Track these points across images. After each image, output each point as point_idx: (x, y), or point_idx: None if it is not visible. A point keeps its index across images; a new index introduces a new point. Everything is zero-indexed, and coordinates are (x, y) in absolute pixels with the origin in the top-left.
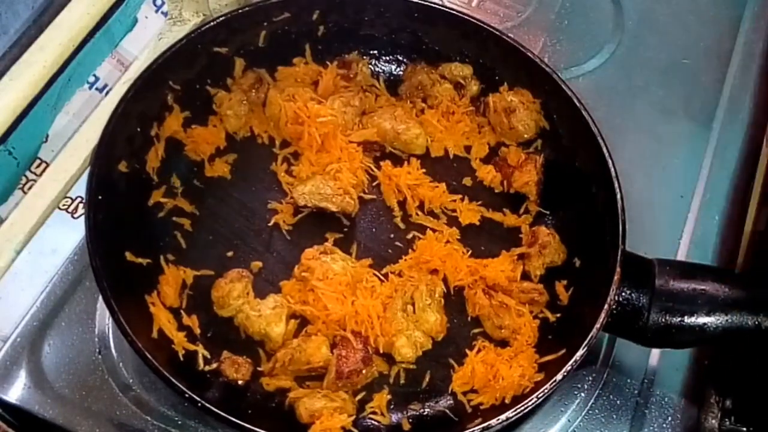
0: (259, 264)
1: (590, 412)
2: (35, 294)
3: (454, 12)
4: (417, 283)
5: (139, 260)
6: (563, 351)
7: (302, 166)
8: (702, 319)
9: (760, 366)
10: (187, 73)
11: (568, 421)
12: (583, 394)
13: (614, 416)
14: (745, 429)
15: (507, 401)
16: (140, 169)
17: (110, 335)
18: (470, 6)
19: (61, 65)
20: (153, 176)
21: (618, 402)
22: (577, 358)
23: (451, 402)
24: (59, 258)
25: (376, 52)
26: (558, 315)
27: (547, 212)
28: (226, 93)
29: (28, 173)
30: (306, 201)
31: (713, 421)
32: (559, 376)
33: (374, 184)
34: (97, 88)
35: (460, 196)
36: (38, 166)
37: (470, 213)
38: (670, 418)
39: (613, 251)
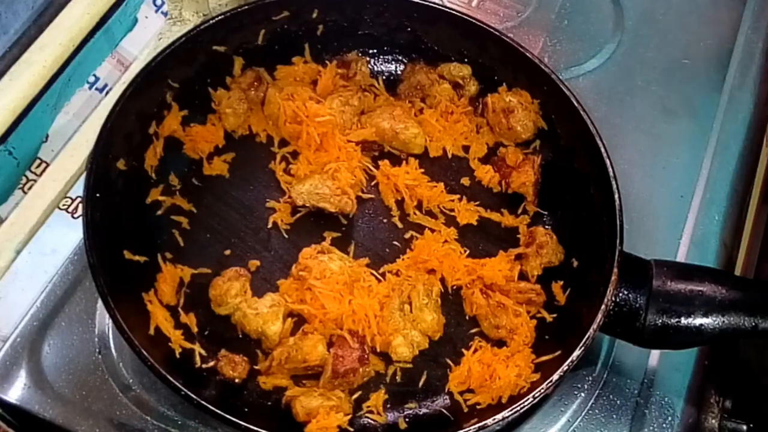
0: (257, 263)
1: (590, 412)
2: (35, 294)
3: (454, 12)
4: (414, 282)
5: (137, 258)
6: (560, 351)
7: (300, 165)
8: (699, 321)
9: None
10: (186, 72)
11: (568, 421)
12: (583, 394)
13: (614, 416)
14: (745, 427)
15: (503, 401)
16: (138, 167)
17: (110, 335)
18: (470, 6)
19: (61, 65)
20: (151, 174)
21: (618, 402)
22: (574, 359)
23: (448, 401)
24: (59, 258)
25: (375, 51)
26: (555, 315)
27: (545, 213)
28: (225, 91)
29: (28, 173)
30: (304, 200)
31: (713, 421)
32: (555, 377)
33: (372, 183)
34: (97, 88)
35: (458, 195)
36: (38, 166)
37: (468, 213)
38: (670, 418)
39: (610, 252)
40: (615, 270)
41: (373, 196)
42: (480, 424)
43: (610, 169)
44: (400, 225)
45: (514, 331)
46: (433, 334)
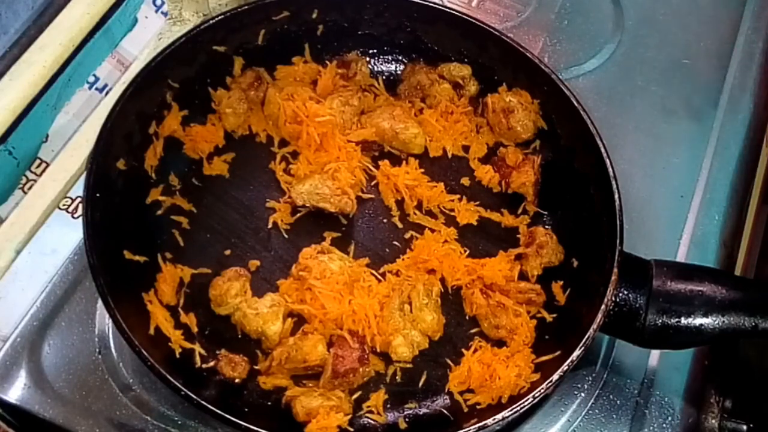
0: (257, 263)
1: (590, 412)
2: (35, 294)
3: (454, 12)
4: (414, 282)
5: (137, 258)
6: (560, 351)
7: (300, 165)
8: (699, 321)
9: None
10: (186, 72)
11: (568, 421)
12: (583, 394)
13: (614, 416)
14: (745, 427)
15: (503, 401)
16: (138, 167)
17: (110, 335)
18: (470, 6)
19: (61, 65)
20: (151, 174)
21: (618, 402)
22: (574, 359)
23: (448, 401)
24: (59, 258)
25: (375, 51)
26: (555, 315)
27: (545, 213)
28: (225, 91)
29: (28, 173)
30: (304, 201)
31: (713, 421)
32: (555, 377)
33: (372, 183)
34: (97, 88)
35: (458, 195)
36: (38, 166)
37: (468, 213)
38: (670, 418)
39: (610, 252)
40: (615, 270)
41: (373, 196)
42: (480, 424)
43: (610, 169)
44: (400, 225)
45: (514, 331)
46: (433, 334)
